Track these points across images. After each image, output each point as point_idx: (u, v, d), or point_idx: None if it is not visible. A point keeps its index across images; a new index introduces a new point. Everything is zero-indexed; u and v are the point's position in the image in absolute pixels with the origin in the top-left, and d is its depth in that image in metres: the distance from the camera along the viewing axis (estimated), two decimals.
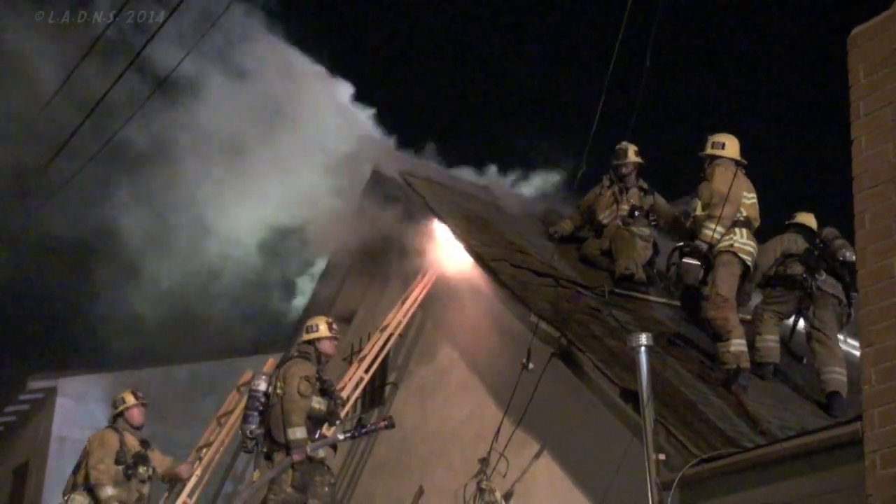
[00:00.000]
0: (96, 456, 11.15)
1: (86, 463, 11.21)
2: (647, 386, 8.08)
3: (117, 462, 11.14)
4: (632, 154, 12.06)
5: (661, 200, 12.04)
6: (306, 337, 10.97)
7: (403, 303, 12.05)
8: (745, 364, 9.47)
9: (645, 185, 12.05)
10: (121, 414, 11.54)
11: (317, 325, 11.02)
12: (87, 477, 11.13)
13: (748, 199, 10.09)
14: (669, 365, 9.45)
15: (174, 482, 11.83)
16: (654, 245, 11.76)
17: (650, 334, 8.30)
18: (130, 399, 11.60)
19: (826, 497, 7.08)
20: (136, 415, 11.57)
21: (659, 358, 9.17)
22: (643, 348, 8.14)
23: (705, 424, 8.53)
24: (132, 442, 11.39)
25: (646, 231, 11.73)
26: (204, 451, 12.07)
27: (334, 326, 11.15)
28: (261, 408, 10.66)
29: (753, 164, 10.41)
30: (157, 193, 14.00)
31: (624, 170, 12.05)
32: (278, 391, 10.61)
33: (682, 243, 10.19)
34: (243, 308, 15.45)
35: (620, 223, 11.73)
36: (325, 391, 10.73)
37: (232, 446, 12.37)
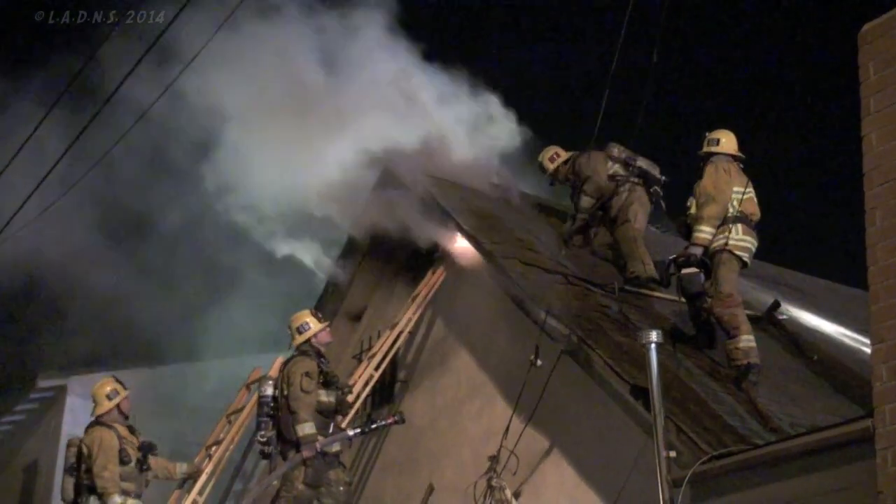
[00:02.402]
0: (100, 462, 10.77)
1: (88, 467, 10.85)
2: (657, 383, 8.07)
3: (122, 462, 10.83)
4: (547, 163, 11.90)
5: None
6: (301, 338, 10.91)
7: (413, 300, 12.05)
8: (755, 360, 9.45)
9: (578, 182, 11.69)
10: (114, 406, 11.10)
11: (307, 323, 10.93)
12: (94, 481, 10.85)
13: (746, 194, 9.94)
14: (679, 362, 9.44)
15: (187, 480, 11.79)
16: (656, 202, 11.66)
17: (660, 331, 8.29)
18: (122, 389, 11.16)
19: (837, 494, 7.07)
20: (128, 405, 11.21)
21: (669, 355, 9.16)
22: (653, 345, 8.13)
23: (716, 421, 8.53)
24: (126, 434, 11.08)
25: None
26: (214, 448, 12.06)
27: (319, 315, 11.17)
28: (271, 413, 10.68)
29: (757, 165, 10.37)
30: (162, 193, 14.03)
31: (553, 180, 11.94)
32: (284, 393, 10.65)
33: (675, 255, 10.11)
34: (252, 306, 15.46)
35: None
36: (330, 383, 10.75)
37: (242, 444, 12.37)
